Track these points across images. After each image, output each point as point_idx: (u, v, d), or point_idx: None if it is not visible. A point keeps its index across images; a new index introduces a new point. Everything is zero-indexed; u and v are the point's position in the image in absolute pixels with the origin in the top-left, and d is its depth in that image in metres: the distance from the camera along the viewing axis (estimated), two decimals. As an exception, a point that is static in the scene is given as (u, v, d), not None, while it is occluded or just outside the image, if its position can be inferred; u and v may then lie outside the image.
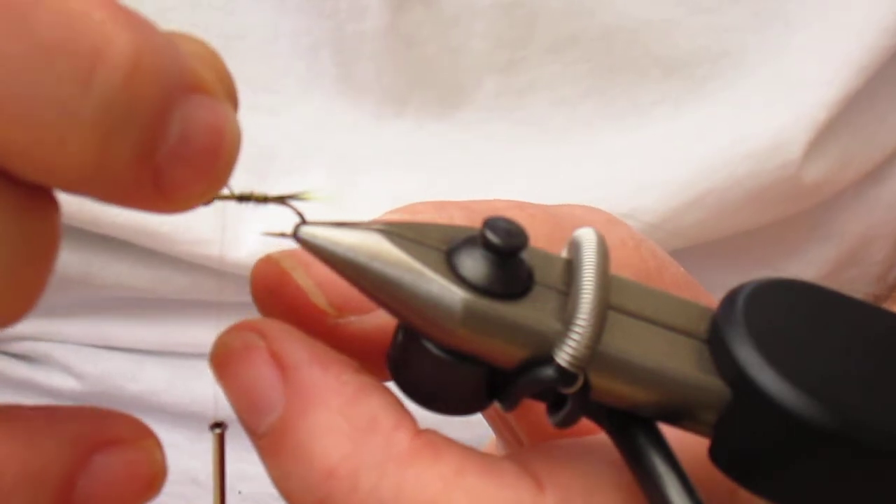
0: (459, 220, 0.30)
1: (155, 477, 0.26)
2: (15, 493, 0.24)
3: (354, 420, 0.26)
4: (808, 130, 0.54)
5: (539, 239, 0.28)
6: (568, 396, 0.26)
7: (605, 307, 0.26)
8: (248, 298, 0.29)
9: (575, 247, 0.27)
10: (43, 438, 0.24)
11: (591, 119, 0.55)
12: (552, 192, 0.53)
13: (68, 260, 0.52)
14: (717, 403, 0.26)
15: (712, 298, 0.32)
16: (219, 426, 0.30)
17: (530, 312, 0.26)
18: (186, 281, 0.55)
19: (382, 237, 0.26)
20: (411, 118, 0.55)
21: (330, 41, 0.53)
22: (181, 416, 0.58)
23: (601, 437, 0.28)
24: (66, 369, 0.58)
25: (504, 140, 0.55)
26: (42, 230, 0.23)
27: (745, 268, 0.60)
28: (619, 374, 0.26)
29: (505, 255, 0.26)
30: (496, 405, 0.27)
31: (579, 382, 0.26)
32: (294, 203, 0.27)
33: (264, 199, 0.27)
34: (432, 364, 0.26)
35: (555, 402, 0.27)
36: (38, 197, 0.23)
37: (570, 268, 0.26)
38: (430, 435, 0.26)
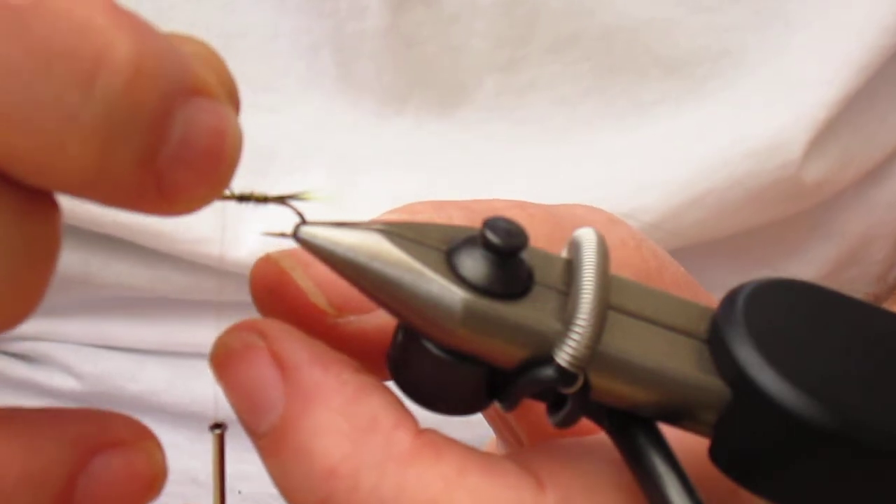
0: (458, 219, 0.30)
1: (155, 478, 0.26)
2: (15, 495, 0.24)
3: (355, 420, 0.26)
4: (808, 130, 0.54)
5: (539, 239, 0.28)
6: (568, 396, 0.26)
7: (605, 307, 0.26)
8: (248, 298, 0.29)
9: (575, 247, 0.27)
10: (43, 440, 0.24)
11: (591, 118, 0.55)
12: (552, 191, 0.53)
13: (68, 260, 0.52)
14: (717, 403, 0.26)
15: (712, 298, 0.32)
16: (219, 427, 0.30)
17: (530, 312, 0.26)
18: (186, 280, 0.55)
19: (382, 237, 0.26)
20: (411, 117, 0.55)
21: (330, 40, 0.53)
22: (181, 416, 0.58)
23: (602, 436, 0.28)
24: (66, 369, 0.58)
25: (504, 140, 0.55)
26: (43, 234, 0.23)
27: (745, 267, 0.60)
28: (619, 374, 0.26)
29: (505, 255, 0.26)
30: (496, 405, 0.27)
31: (579, 382, 0.26)
32: (294, 203, 0.27)
33: (264, 199, 0.27)
34: (432, 364, 0.26)
35: (555, 402, 0.27)
36: (40, 200, 0.23)
37: (570, 268, 0.26)
38: (431, 434, 0.26)
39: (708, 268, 0.58)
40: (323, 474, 0.26)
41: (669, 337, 0.27)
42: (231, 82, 0.25)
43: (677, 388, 0.26)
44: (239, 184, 0.25)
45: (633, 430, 0.27)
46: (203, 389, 0.58)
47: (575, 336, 0.25)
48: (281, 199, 0.27)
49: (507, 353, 0.26)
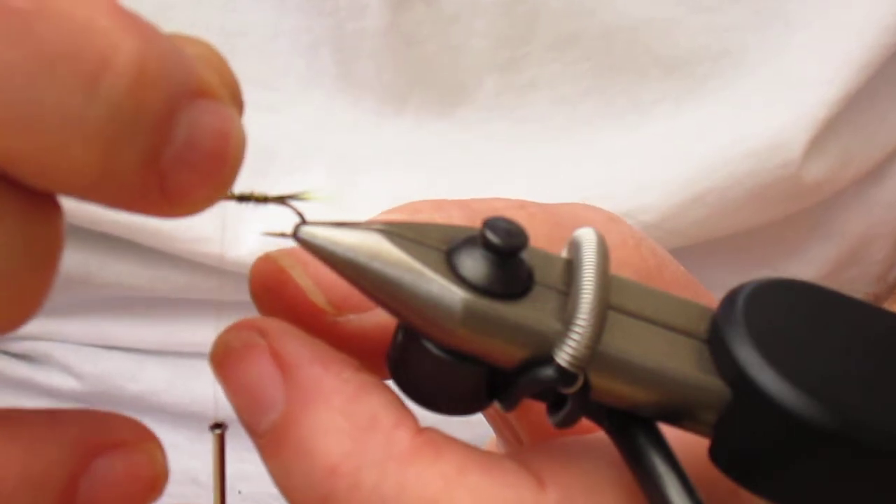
0: (459, 219, 0.30)
1: (157, 479, 0.26)
2: (16, 497, 0.24)
3: (355, 418, 0.26)
4: (808, 129, 0.54)
5: (539, 238, 0.28)
6: (568, 396, 0.26)
7: (605, 307, 0.26)
8: (248, 298, 0.29)
9: (575, 247, 0.27)
10: (44, 442, 0.24)
11: (591, 118, 0.55)
12: (552, 191, 0.53)
13: (68, 260, 0.52)
14: (717, 403, 0.26)
15: (712, 297, 0.32)
16: (219, 427, 0.30)
17: (530, 312, 0.26)
18: (186, 280, 0.55)
19: (382, 237, 0.26)
20: (411, 117, 0.55)
21: (330, 39, 0.53)
22: (181, 416, 0.58)
23: (602, 435, 0.28)
24: (66, 369, 0.58)
25: (504, 139, 0.55)
26: (46, 236, 0.23)
27: (745, 267, 0.60)
28: (619, 374, 0.26)
29: (505, 255, 0.26)
30: (496, 405, 0.27)
31: (579, 382, 0.26)
32: (294, 203, 0.27)
33: (264, 199, 0.27)
34: (432, 364, 0.26)
35: (555, 402, 0.27)
36: (42, 202, 0.23)
37: (570, 268, 0.26)
38: (431, 433, 0.26)
39: (708, 267, 0.58)
40: (323, 473, 0.26)
41: (669, 337, 0.27)
42: (234, 83, 0.25)
43: (677, 388, 0.26)
44: (239, 184, 0.25)
45: (633, 430, 0.27)
46: (203, 389, 0.58)
47: (575, 336, 0.25)
48: (281, 199, 0.27)
49: (507, 353, 0.26)
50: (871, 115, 0.57)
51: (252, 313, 0.28)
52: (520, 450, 0.30)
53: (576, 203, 0.32)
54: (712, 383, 0.26)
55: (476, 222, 0.26)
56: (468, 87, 0.54)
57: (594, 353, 0.25)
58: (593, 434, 0.28)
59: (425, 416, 0.27)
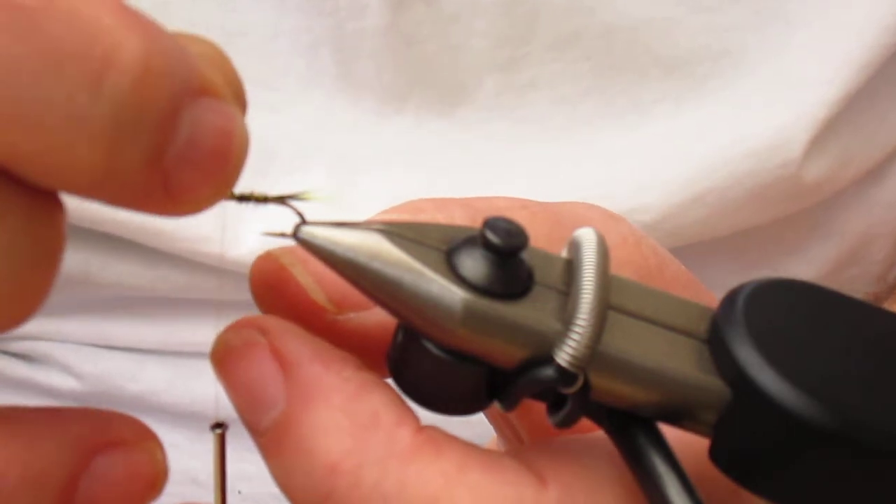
0: (460, 217, 0.30)
1: (157, 478, 0.26)
2: (17, 495, 0.24)
3: (356, 417, 0.26)
4: (808, 129, 0.54)
5: (540, 237, 0.28)
6: (568, 396, 0.26)
7: (605, 307, 0.26)
8: (248, 297, 0.29)
9: (575, 247, 0.27)
10: (44, 440, 0.24)
11: (591, 118, 0.55)
12: (552, 190, 0.53)
13: (68, 260, 0.51)
14: (717, 403, 0.26)
15: (713, 296, 0.32)
16: (220, 426, 0.30)
17: (530, 312, 0.26)
18: (186, 280, 0.55)
19: (382, 237, 0.26)
20: (411, 116, 0.55)
21: (330, 39, 0.53)
22: (181, 416, 0.58)
23: (603, 433, 0.28)
24: (66, 369, 0.58)
25: (504, 139, 0.55)
26: (48, 234, 0.23)
27: (745, 266, 0.60)
28: (619, 374, 0.26)
29: (505, 255, 0.26)
30: (496, 405, 0.27)
31: (579, 382, 0.26)
32: (294, 203, 0.27)
33: (264, 199, 0.27)
34: (432, 364, 0.26)
35: (555, 402, 0.27)
36: (45, 200, 0.23)
37: (570, 268, 0.26)
38: (432, 431, 0.26)
39: (708, 267, 0.58)
40: (324, 471, 0.26)
41: (669, 337, 0.27)
42: (238, 82, 0.25)
43: (677, 388, 0.26)
44: (239, 184, 0.25)
45: (633, 430, 0.27)
46: (203, 389, 0.58)
47: (575, 336, 0.25)
48: (281, 199, 0.27)
49: (507, 353, 0.26)
50: (871, 115, 0.57)
51: (252, 313, 0.28)
52: (520, 448, 0.30)
53: (577, 202, 0.32)
54: (712, 383, 0.26)
55: (478, 221, 0.26)
56: (468, 87, 0.54)
57: (594, 353, 0.25)
58: (594, 432, 0.28)
59: (425, 415, 0.27)
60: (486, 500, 0.25)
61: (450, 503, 0.25)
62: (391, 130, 0.55)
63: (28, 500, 0.24)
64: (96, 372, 0.58)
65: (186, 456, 0.58)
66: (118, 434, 0.26)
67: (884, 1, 0.54)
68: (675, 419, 0.27)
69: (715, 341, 0.27)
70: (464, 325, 0.25)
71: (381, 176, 0.54)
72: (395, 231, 0.26)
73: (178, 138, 0.23)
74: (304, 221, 0.27)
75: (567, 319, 0.26)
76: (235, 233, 0.52)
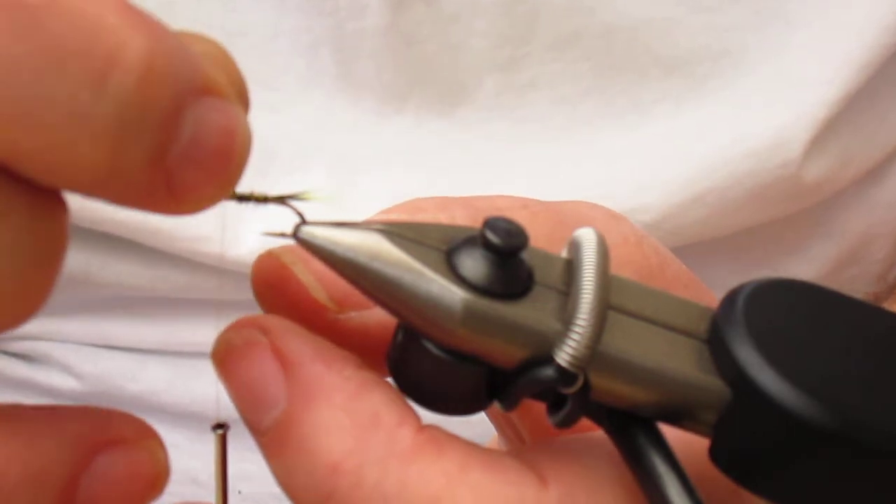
0: (461, 217, 0.30)
1: (158, 477, 0.26)
2: (17, 493, 0.24)
3: (357, 416, 0.26)
4: (808, 129, 0.54)
5: (541, 237, 0.28)
6: (568, 396, 0.26)
7: (605, 307, 0.26)
8: (248, 296, 0.29)
9: (575, 247, 0.27)
10: (45, 438, 0.24)
11: (591, 118, 0.55)
12: (553, 190, 0.52)
13: (69, 259, 0.52)
14: (717, 403, 0.26)
15: (713, 295, 0.32)
16: (221, 427, 0.30)
17: (530, 312, 0.26)
18: (186, 280, 0.55)
19: (382, 237, 0.26)
20: (411, 116, 0.55)
21: (330, 39, 0.53)
22: (181, 416, 0.58)
23: (603, 433, 0.28)
24: (66, 369, 0.58)
25: (504, 139, 0.55)
26: (51, 232, 0.23)
27: (745, 266, 0.60)
28: (619, 374, 0.26)
29: (505, 255, 0.26)
30: (496, 405, 0.27)
31: (579, 382, 0.26)
32: (294, 203, 0.27)
33: (264, 199, 0.27)
34: (432, 364, 0.26)
35: (555, 402, 0.27)
36: (48, 199, 0.23)
37: (570, 268, 0.26)
38: (433, 431, 0.26)
39: (708, 267, 0.58)
40: (326, 471, 0.26)
41: (669, 337, 0.27)
42: (241, 81, 0.25)
43: (677, 388, 0.26)
44: (239, 184, 0.25)
45: (633, 430, 0.27)
46: (203, 389, 0.58)
47: (575, 336, 0.25)
48: (281, 199, 0.27)
49: (507, 353, 0.26)
50: (871, 115, 0.57)
51: (253, 312, 0.28)
52: (521, 448, 0.30)
53: (578, 201, 0.32)
54: (712, 383, 0.26)
55: (478, 220, 0.26)
56: (468, 87, 0.54)
57: (594, 353, 0.25)
58: (595, 432, 0.28)
59: (426, 415, 0.27)
60: (488, 500, 0.25)
61: (451, 503, 0.25)
62: (391, 130, 0.55)
63: (29, 498, 0.24)
64: (96, 372, 0.58)
65: (187, 456, 0.58)
66: (119, 433, 0.26)
67: (884, 1, 0.54)
68: (675, 419, 0.27)
69: (715, 341, 0.27)
70: (464, 325, 0.25)
71: (381, 176, 0.54)
72: (395, 231, 0.26)
73: (182, 137, 0.23)
74: (304, 221, 0.27)
75: (567, 319, 0.26)
76: (235, 233, 0.52)
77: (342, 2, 0.52)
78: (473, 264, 0.26)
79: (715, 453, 0.27)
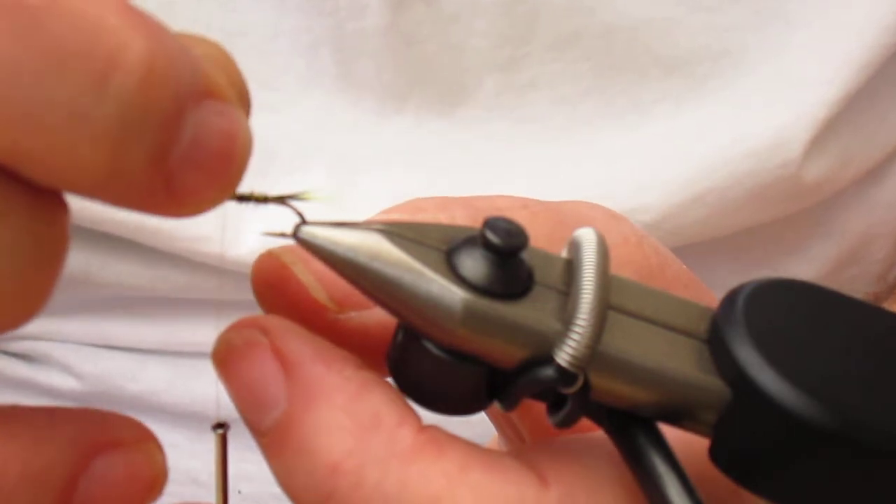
0: (461, 217, 0.30)
1: (156, 479, 0.26)
2: (16, 494, 0.24)
3: (358, 416, 0.26)
4: (808, 129, 0.54)
5: (541, 237, 0.28)
6: (568, 396, 0.26)
7: (605, 307, 0.26)
8: (248, 296, 0.29)
9: (575, 247, 0.27)
10: (43, 440, 0.24)
11: (591, 118, 0.55)
12: (553, 190, 0.52)
13: (68, 259, 0.52)
14: (717, 403, 0.26)
15: (713, 295, 0.32)
16: (221, 427, 0.30)
17: (530, 312, 0.26)
18: (186, 280, 0.55)
19: (382, 237, 0.26)
20: (411, 116, 0.55)
21: (330, 39, 0.53)
22: (181, 416, 0.58)
23: (603, 433, 0.28)
24: (66, 369, 0.58)
25: (504, 139, 0.55)
26: (52, 234, 0.23)
27: (745, 266, 0.60)
28: (619, 374, 0.26)
29: (505, 256, 0.26)
30: (496, 405, 0.27)
31: (579, 382, 0.26)
32: (294, 203, 0.27)
33: (264, 199, 0.27)
34: (432, 364, 0.26)
35: (555, 402, 0.27)
36: (49, 200, 0.23)
37: (570, 268, 0.26)
38: (434, 431, 0.26)
39: (708, 267, 0.58)
40: (326, 471, 0.26)
41: (669, 337, 0.27)
42: (242, 84, 0.25)
43: (677, 388, 0.26)
44: (239, 184, 0.25)
45: (633, 430, 0.27)
46: (203, 389, 0.58)
47: (575, 336, 0.25)
48: (281, 199, 0.27)
49: (507, 353, 0.26)
50: (871, 114, 0.57)
51: (253, 313, 0.28)
52: (522, 448, 0.30)
53: (579, 201, 0.32)
54: (712, 383, 0.26)
55: (478, 220, 0.26)
56: (468, 87, 0.54)
57: (594, 353, 0.25)
58: (596, 431, 0.28)
59: (426, 415, 0.27)
60: (488, 500, 0.25)
61: (452, 503, 0.25)
62: (391, 130, 0.55)
63: (27, 499, 0.24)
64: (96, 372, 0.58)
65: (187, 456, 0.58)
66: (117, 435, 0.26)
67: (884, 1, 0.54)
68: (675, 419, 0.27)
69: (715, 341, 0.27)
70: (464, 325, 0.25)
71: (381, 176, 0.54)
72: (395, 231, 0.26)
73: (182, 140, 0.23)
74: (304, 221, 0.27)
75: (567, 319, 0.26)
76: (235, 233, 0.52)
77: (342, 2, 0.52)
78: (473, 264, 0.26)
79: (715, 453, 0.27)
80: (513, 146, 0.55)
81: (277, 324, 0.27)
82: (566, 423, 0.26)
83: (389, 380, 0.27)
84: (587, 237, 0.27)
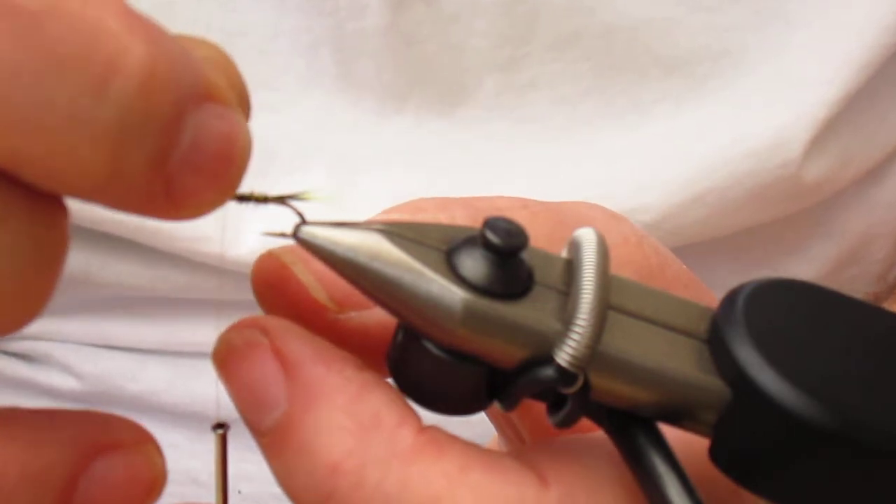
0: (461, 217, 0.30)
1: (155, 481, 0.26)
2: (15, 496, 0.24)
3: (358, 417, 0.26)
4: (808, 129, 0.54)
5: (541, 237, 0.28)
6: (568, 396, 0.26)
7: (605, 307, 0.26)
8: (248, 297, 0.29)
9: (575, 247, 0.27)
10: (43, 442, 0.24)
11: (591, 118, 0.55)
12: (553, 190, 0.52)
13: (68, 259, 0.52)
14: (717, 403, 0.26)
15: (713, 295, 0.32)
16: (221, 427, 0.30)
17: (530, 312, 0.26)
18: (186, 280, 0.55)
19: (382, 237, 0.26)
20: (411, 116, 0.55)
21: (330, 39, 0.53)
22: (181, 416, 0.58)
23: (603, 433, 0.28)
24: (66, 369, 0.58)
25: (504, 139, 0.55)
26: (51, 237, 0.23)
27: (745, 266, 0.60)
28: (619, 374, 0.26)
29: (505, 255, 0.26)
30: (496, 405, 0.27)
31: (579, 382, 0.26)
32: (294, 203, 0.27)
33: (264, 199, 0.27)
34: (432, 364, 0.26)
35: (555, 402, 0.27)
36: (49, 203, 0.23)
37: (570, 268, 0.26)
38: (434, 431, 0.26)
39: (708, 267, 0.58)
40: (326, 471, 0.26)
41: (669, 337, 0.27)
42: (242, 86, 0.25)
43: (677, 388, 0.26)
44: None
45: (633, 430, 0.27)
46: (203, 389, 0.58)
47: (575, 336, 0.25)
48: (281, 199, 0.27)
49: (507, 353, 0.26)
50: (872, 114, 0.57)
51: (253, 312, 0.28)
52: (522, 448, 0.30)
53: (579, 201, 0.32)
54: (712, 383, 0.26)
55: (478, 220, 0.26)
56: (468, 87, 0.55)
57: (594, 353, 0.25)
58: (596, 432, 0.28)
59: (426, 415, 0.27)
60: (488, 501, 0.26)
61: (452, 503, 0.25)
62: (391, 130, 0.55)
63: (27, 500, 0.24)
64: (96, 372, 0.58)
65: (187, 456, 0.58)
66: (117, 436, 0.26)
67: (884, 1, 0.54)
68: (675, 419, 0.27)
69: (715, 341, 0.27)
70: (464, 325, 0.25)
71: (381, 176, 0.54)
72: (395, 231, 0.26)
73: (182, 143, 0.23)
74: (304, 221, 0.27)
75: (567, 319, 0.26)
76: (235, 233, 0.52)
77: (342, 2, 0.52)
78: (473, 264, 0.26)
79: (715, 453, 0.27)
80: (513, 146, 0.55)
81: (277, 324, 0.27)
82: (566, 423, 0.26)
83: (389, 380, 0.27)
84: (587, 237, 0.27)
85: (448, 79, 0.54)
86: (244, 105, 0.25)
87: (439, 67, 0.54)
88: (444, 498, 0.25)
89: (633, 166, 0.55)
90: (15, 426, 0.24)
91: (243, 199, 0.27)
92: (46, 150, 0.22)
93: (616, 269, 0.27)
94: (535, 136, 0.55)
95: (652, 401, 0.26)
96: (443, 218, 0.29)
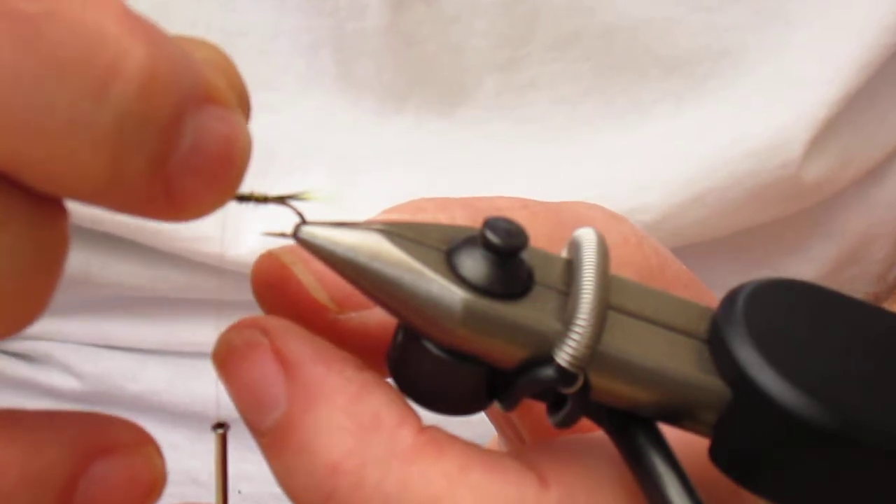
0: (462, 217, 0.30)
1: (155, 483, 0.26)
2: (15, 496, 0.24)
3: (358, 417, 0.26)
4: (808, 129, 0.54)
5: (541, 237, 0.28)
6: (568, 396, 0.26)
7: (605, 307, 0.26)
8: (248, 297, 0.29)
9: (575, 247, 0.27)
10: (43, 443, 0.24)
11: (591, 118, 0.55)
12: (553, 190, 0.53)
13: (69, 259, 0.52)
14: (717, 403, 0.26)
15: (713, 295, 0.32)
16: (221, 426, 0.30)
17: (530, 312, 0.26)
18: (187, 280, 0.55)
19: (382, 237, 0.26)
20: (411, 116, 0.55)
21: (330, 39, 0.53)
22: (181, 416, 0.58)
23: (603, 433, 0.28)
24: (67, 369, 0.58)
25: (504, 139, 0.55)
26: (52, 239, 0.23)
27: (745, 266, 0.60)
28: (619, 374, 0.26)
29: (505, 256, 0.26)
30: (496, 405, 0.27)
31: (579, 382, 0.26)
32: (294, 203, 0.27)
33: (264, 200, 0.27)
34: (432, 364, 0.26)
35: (555, 402, 0.27)
36: (49, 206, 0.23)
37: (570, 268, 0.26)
38: (434, 432, 0.26)
39: (708, 267, 0.58)
40: (326, 471, 0.26)
41: (669, 337, 0.27)
42: (242, 87, 0.25)
43: (677, 388, 0.26)
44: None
45: (633, 430, 0.27)
46: (203, 389, 0.58)
47: (575, 336, 0.25)
48: (281, 199, 0.27)
49: (507, 353, 0.26)
50: (871, 114, 0.57)
51: (253, 313, 0.28)
52: (522, 448, 0.30)
53: (578, 201, 0.32)
54: (712, 383, 0.26)
55: (478, 221, 0.26)
56: (468, 87, 0.55)
57: (594, 353, 0.25)
58: (596, 432, 0.28)
59: (426, 415, 0.27)
60: (488, 501, 0.26)
61: (452, 503, 0.25)
62: (391, 130, 0.55)
63: (27, 501, 0.24)
64: (96, 372, 0.58)
65: (187, 456, 0.58)
66: (117, 437, 0.26)
67: (884, 1, 0.54)
68: (675, 419, 0.27)
69: (715, 341, 0.27)
70: (464, 325, 0.25)
71: (381, 176, 0.55)
72: (395, 231, 0.26)
73: (182, 145, 0.23)
74: (304, 221, 0.27)
75: (567, 319, 0.26)
76: (235, 233, 0.52)
77: (342, 2, 0.52)
78: (473, 264, 0.26)
79: (715, 453, 0.27)
80: (513, 146, 0.55)
81: (277, 324, 0.27)
82: (566, 423, 0.26)
83: (389, 380, 0.27)
84: (587, 237, 0.27)
85: (448, 79, 0.54)
86: (244, 106, 0.25)
87: (439, 67, 0.54)
88: (444, 498, 0.25)
89: (633, 166, 0.55)
90: (15, 427, 0.24)
91: (243, 199, 0.27)
92: (47, 154, 0.22)
93: (616, 269, 0.27)
94: (535, 136, 0.55)
95: (652, 401, 0.26)
96: (443, 218, 0.29)
